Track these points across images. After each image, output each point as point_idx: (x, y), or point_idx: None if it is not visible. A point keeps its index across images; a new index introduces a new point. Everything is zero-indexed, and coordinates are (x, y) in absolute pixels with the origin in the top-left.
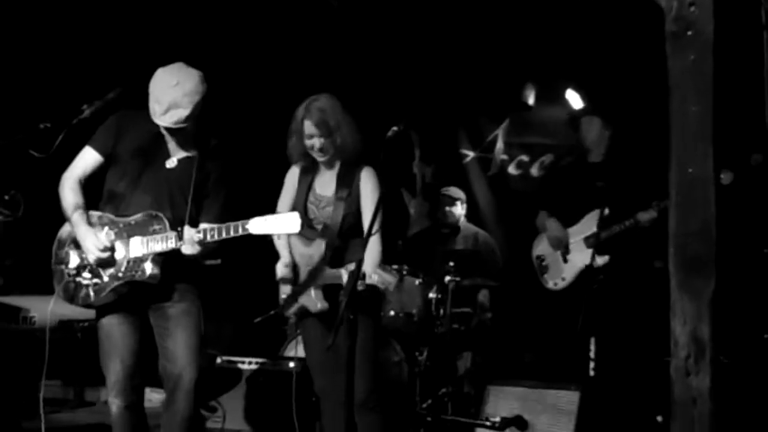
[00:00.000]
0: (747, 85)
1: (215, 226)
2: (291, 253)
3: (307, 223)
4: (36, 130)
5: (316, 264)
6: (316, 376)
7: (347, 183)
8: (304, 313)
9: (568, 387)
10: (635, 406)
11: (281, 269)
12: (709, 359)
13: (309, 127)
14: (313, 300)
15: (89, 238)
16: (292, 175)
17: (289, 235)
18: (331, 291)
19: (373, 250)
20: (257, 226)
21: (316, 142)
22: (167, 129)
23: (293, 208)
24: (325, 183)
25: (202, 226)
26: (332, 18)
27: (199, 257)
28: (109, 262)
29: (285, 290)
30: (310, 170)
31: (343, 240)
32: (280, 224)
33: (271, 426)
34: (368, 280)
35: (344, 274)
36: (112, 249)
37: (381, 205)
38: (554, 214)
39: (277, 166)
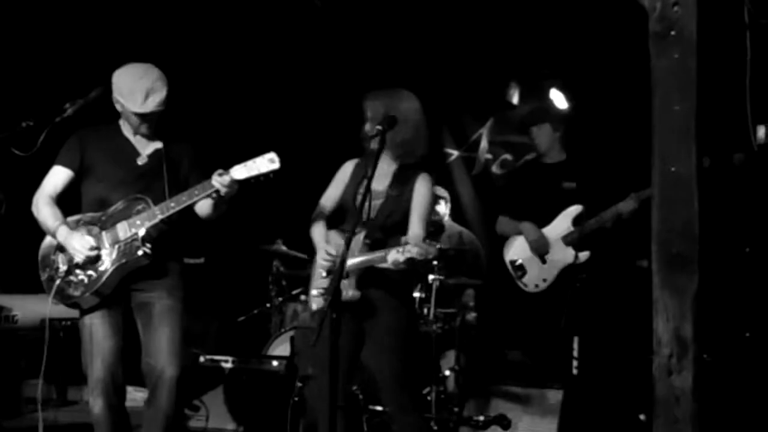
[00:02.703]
0: (730, 84)
1: (193, 188)
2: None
3: (352, 212)
4: (18, 129)
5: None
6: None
7: (402, 182)
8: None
9: (551, 386)
10: (618, 405)
11: (321, 258)
12: (692, 357)
13: (366, 111)
14: (345, 286)
15: (75, 239)
16: (345, 169)
17: (327, 229)
18: (364, 280)
19: (414, 234)
20: (239, 171)
21: (368, 127)
22: (140, 118)
23: (342, 199)
24: (380, 177)
25: (178, 196)
26: (316, 17)
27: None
28: (97, 258)
29: (317, 284)
30: (366, 164)
31: (384, 234)
32: (259, 164)
33: (254, 425)
34: (406, 254)
35: (390, 253)
36: (98, 247)
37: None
38: (519, 217)
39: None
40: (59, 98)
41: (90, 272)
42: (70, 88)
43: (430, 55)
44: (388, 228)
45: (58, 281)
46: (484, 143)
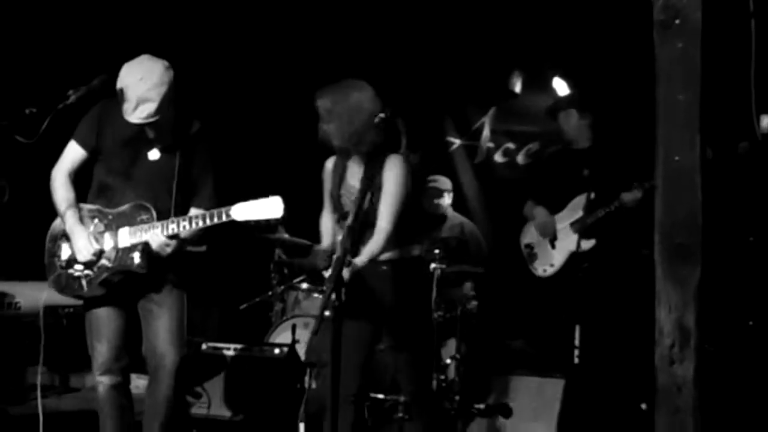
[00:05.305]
0: (735, 73)
1: (194, 215)
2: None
3: (342, 214)
4: (21, 116)
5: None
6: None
7: (371, 172)
8: None
9: (552, 375)
10: (620, 394)
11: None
12: (693, 347)
13: (318, 110)
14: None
15: (81, 240)
16: (326, 170)
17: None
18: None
19: (375, 240)
20: (240, 211)
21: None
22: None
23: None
24: (355, 173)
25: (179, 219)
26: (319, 5)
27: (183, 248)
28: (98, 260)
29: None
30: (342, 161)
31: (361, 228)
32: (263, 209)
33: (256, 412)
34: (353, 268)
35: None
36: (101, 251)
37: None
38: (542, 203)
39: (265, 147)
40: (63, 85)
41: (87, 271)
42: (73, 75)
43: (433, 44)
44: (363, 221)
45: (58, 270)
46: (486, 132)
